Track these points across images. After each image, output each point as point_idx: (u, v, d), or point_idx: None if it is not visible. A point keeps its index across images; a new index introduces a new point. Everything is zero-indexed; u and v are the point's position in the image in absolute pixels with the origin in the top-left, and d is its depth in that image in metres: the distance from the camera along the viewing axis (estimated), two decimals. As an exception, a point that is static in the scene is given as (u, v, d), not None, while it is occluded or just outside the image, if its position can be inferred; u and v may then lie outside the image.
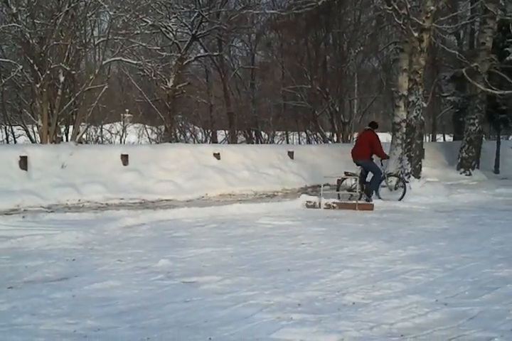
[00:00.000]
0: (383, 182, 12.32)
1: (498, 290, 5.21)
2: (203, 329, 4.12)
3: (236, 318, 4.36)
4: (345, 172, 11.89)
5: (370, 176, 11.93)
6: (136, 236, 7.93)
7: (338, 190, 11.89)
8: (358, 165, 11.83)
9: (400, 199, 11.83)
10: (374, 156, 12.00)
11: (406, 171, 12.67)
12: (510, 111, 19.00)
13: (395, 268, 6.05)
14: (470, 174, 17.70)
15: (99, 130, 24.50)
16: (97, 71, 14.70)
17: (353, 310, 4.62)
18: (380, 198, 11.88)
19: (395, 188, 12.69)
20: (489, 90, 16.44)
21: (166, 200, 12.13)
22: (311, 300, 4.87)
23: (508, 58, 18.24)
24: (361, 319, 4.39)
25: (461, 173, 17.76)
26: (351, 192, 11.75)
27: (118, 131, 26.34)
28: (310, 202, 11.08)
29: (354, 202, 11.06)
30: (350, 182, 12.26)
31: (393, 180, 12.84)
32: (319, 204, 10.98)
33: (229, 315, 4.44)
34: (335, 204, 10.99)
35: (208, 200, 12.26)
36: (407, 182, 12.52)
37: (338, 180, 11.97)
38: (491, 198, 12.60)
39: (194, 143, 24.21)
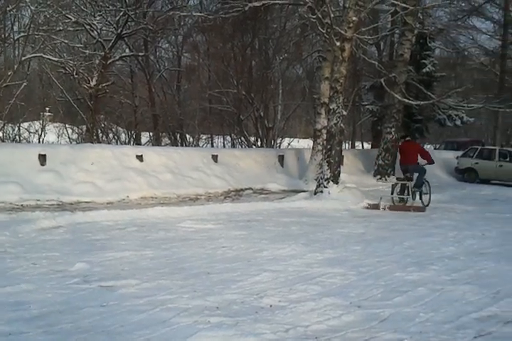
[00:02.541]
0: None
1: (409, 293, 5.44)
2: (119, 334, 4.07)
3: (153, 322, 4.34)
4: (397, 178, 13.82)
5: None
6: (52, 239, 7.71)
7: (392, 194, 13.27)
8: (407, 171, 13.46)
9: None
10: None
11: (325, 177, 12.99)
12: (425, 121, 19.89)
13: (312, 271, 6.20)
14: (386, 180, 18.32)
15: (16, 128, 23.53)
16: (15, 67, 14.16)
17: (270, 312, 4.70)
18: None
19: (315, 193, 12.99)
20: (406, 100, 17.11)
21: (85, 202, 11.83)
22: (230, 303, 4.92)
23: (424, 70, 19.12)
24: (278, 321, 4.48)
25: (377, 180, 18.35)
26: (402, 196, 13.22)
27: (37, 130, 25.38)
28: (370, 204, 12.46)
29: (409, 204, 12.78)
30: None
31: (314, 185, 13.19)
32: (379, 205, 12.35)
33: (146, 319, 4.41)
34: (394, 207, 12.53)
35: (129, 203, 12.06)
36: (326, 187, 12.84)
37: (393, 185, 13.57)
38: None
39: (117, 144, 23.72)
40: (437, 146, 36.37)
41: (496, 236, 9.03)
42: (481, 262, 6.94)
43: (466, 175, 21.18)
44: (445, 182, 20.49)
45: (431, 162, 13.63)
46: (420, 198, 13.21)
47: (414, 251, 7.54)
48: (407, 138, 14.31)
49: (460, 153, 22.70)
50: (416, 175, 13.34)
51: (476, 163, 20.65)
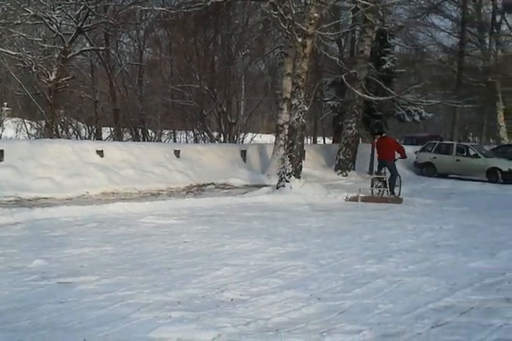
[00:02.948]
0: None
1: (368, 285, 5.52)
2: (77, 331, 4.03)
3: (112, 318, 4.31)
4: (377, 173, 14.26)
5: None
6: (10, 236, 7.56)
7: (372, 187, 13.83)
8: (385, 165, 14.04)
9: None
10: None
11: (287, 171, 13.08)
12: (384, 117, 20.19)
13: (274, 264, 6.24)
14: (346, 175, 18.57)
15: (-28, 123, 23.00)
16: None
17: (231, 306, 4.72)
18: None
19: (277, 188, 13.07)
20: (366, 96, 17.34)
21: (44, 198, 11.62)
22: (191, 297, 4.91)
23: (384, 66, 19.38)
24: (239, 315, 4.50)
25: (338, 174, 18.58)
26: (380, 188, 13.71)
27: (-6, 125, 24.86)
28: (350, 196, 13.02)
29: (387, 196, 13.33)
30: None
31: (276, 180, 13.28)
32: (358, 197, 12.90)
33: (105, 316, 4.38)
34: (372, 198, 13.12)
35: (89, 199, 11.90)
36: (288, 181, 12.94)
37: (372, 179, 14.16)
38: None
39: (77, 139, 23.37)
40: (397, 141, 36.97)
41: (453, 228, 9.24)
42: (438, 254, 7.09)
43: (424, 169, 21.63)
44: (404, 176, 20.76)
45: (404, 156, 14.48)
46: (392, 190, 13.75)
47: (374, 244, 7.66)
48: (383, 135, 14.81)
49: (419, 147, 23.16)
50: (390, 170, 13.92)
51: (434, 158, 21.10)
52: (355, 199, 12.90)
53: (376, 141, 14.99)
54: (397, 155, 14.13)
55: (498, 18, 33.06)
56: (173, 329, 4.10)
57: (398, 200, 13.11)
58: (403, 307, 4.83)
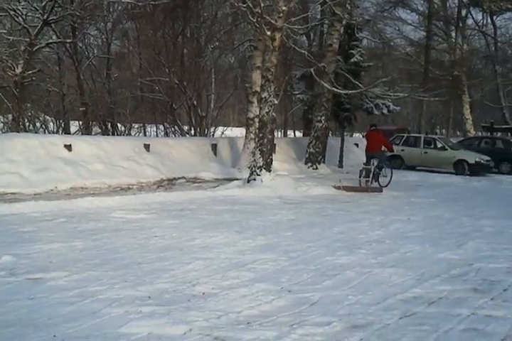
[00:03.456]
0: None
1: (338, 277, 5.60)
2: (47, 327, 4.00)
3: (83, 314, 4.29)
4: (365, 164, 14.95)
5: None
6: (-24, 232, 7.43)
7: (360, 177, 14.63)
8: (373, 157, 14.77)
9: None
10: None
11: (258, 165, 13.09)
12: (353, 110, 20.34)
13: (245, 258, 6.27)
14: (317, 168, 18.67)
15: None
16: None
17: (203, 300, 4.74)
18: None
19: (248, 181, 13.09)
20: (335, 89, 17.43)
21: (11, 193, 11.41)
22: (162, 292, 4.91)
23: (352, 60, 19.50)
24: (210, 309, 4.52)
25: (308, 167, 18.67)
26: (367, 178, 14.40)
27: (-41, 120, 24.25)
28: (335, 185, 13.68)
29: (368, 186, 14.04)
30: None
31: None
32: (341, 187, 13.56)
33: (75, 311, 4.35)
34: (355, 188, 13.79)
35: (58, 194, 11.74)
36: (259, 175, 12.98)
37: (360, 170, 14.84)
38: (334, 191, 13.40)
39: (45, 133, 22.98)
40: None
41: (421, 220, 9.42)
42: (406, 245, 7.22)
43: (392, 161, 21.87)
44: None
45: (391, 150, 15.66)
46: (377, 180, 14.61)
47: (343, 236, 7.76)
48: (373, 128, 15.52)
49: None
50: (377, 161, 14.83)
51: (402, 150, 21.36)
52: (339, 188, 13.52)
53: (367, 133, 15.79)
54: (384, 148, 14.93)
55: (463, 12, 33.59)
56: (144, 324, 4.10)
57: (378, 190, 13.81)
58: (372, 298, 4.92)
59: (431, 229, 8.52)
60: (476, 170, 19.59)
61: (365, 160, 15.18)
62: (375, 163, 14.71)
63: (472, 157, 19.88)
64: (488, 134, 27.06)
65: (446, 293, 5.15)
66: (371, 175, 14.37)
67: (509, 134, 26.39)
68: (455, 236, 7.96)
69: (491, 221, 9.46)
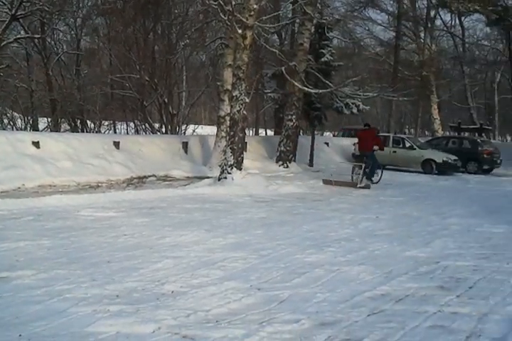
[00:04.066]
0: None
1: (307, 275, 5.63)
2: (13, 326, 3.94)
3: (50, 313, 4.23)
4: (356, 161, 15.95)
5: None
6: None
7: (352, 173, 15.26)
8: (364, 156, 15.40)
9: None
10: None
11: (229, 163, 13.09)
12: (323, 109, 20.47)
13: (215, 256, 6.27)
14: (287, 166, 18.74)
15: None
16: None
17: (172, 298, 4.72)
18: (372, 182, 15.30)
19: (219, 179, 13.07)
20: (305, 88, 17.51)
21: (-23, 192, 11.21)
22: (130, 291, 4.88)
23: (323, 59, 19.62)
24: (179, 307, 4.50)
25: (279, 166, 18.73)
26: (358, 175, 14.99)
27: None
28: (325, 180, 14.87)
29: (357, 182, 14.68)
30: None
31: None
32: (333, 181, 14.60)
33: (42, 310, 4.29)
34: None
35: (25, 191, 11.55)
36: (230, 173, 12.97)
37: (353, 166, 15.64)
38: (305, 189, 13.49)
39: (12, 130, 22.57)
40: (335, 133, 37.63)
41: (389, 218, 9.53)
42: (375, 243, 7.30)
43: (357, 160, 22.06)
44: (343, 168, 21.23)
45: (382, 149, 16.07)
46: (368, 178, 15.15)
47: (313, 234, 7.81)
48: (366, 127, 16.12)
49: (357, 139, 23.60)
50: (371, 160, 15.28)
51: (372, 149, 21.53)
52: (330, 182, 14.54)
53: (359, 132, 16.38)
54: (376, 147, 15.39)
55: (432, 13, 34.12)
56: (112, 323, 4.07)
57: (367, 186, 14.51)
58: (340, 296, 4.96)
59: (399, 228, 8.63)
60: (444, 169, 19.92)
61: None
62: (367, 161, 15.16)
63: (440, 156, 20.21)
64: (456, 134, 27.52)
65: (413, 290, 5.22)
66: (361, 172, 14.81)
67: (476, 134, 26.88)
68: (423, 235, 8.08)
69: (458, 219, 9.63)
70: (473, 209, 11.20)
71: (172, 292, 4.89)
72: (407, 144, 21.13)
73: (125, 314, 4.27)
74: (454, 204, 11.83)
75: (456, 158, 20.40)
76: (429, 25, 33.60)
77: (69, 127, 24.11)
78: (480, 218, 9.86)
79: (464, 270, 6.06)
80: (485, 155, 21.68)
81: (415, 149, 20.66)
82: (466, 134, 27.98)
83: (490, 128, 32.47)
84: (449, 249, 7.17)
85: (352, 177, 15.13)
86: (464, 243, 7.56)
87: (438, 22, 37.28)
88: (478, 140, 23.29)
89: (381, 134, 23.64)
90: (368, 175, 15.09)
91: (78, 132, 23.01)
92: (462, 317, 4.48)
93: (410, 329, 4.20)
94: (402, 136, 24.27)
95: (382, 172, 16.09)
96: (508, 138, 45.52)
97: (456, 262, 6.40)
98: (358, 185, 14.41)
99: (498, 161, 22.32)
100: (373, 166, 15.37)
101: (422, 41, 32.93)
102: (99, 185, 13.21)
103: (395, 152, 21.05)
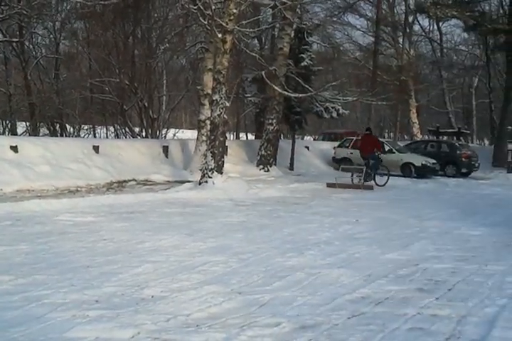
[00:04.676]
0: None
1: (288, 278, 5.63)
2: (-9, 332, 3.89)
3: (28, 319, 4.18)
4: (358, 164, 17.13)
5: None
6: None
7: (352, 175, 16.18)
8: (364, 158, 16.52)
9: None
10: None
11: (209, 167, 13.07)
12: (304, 113, 20.57)
13: (195, 260, 6.24)
14: (268, 170, 18.79)
15: None
16: None
17: (152, 303, 4.69)
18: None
19: (199, 183, 13.05)
20: (286, 93, 17.59)
21: (-47, 197, 11.06)
22: (110, 296, 4.84)
23: (302, 64, 19.73)
24: (159, 312, 4.47)
25: (260, 169, 18.77)
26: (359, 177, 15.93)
27: None
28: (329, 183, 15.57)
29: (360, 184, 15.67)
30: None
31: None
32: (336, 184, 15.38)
33: (20, 316, 4.24)
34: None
35: (3, 196, 11.42)
36: (211, 177, 12.95)
37: (352, 170, 16.73)
38: (285, 193, 13.52)
39: (-10, 134, 22.31)
40: (316, 137, 37.82)
41: (369, 221, 9.58)
42: (354, 246, 7.33)
43: (342, 164, 22.22)
44: (323, 172, 21.41)
45: (382, 152, 17.42)
46: (374, 179, 16.31)
47: (293, 238, 7.82)
48: (368, 132, 17.26)
49: (337, 143, 23.77)
50: (372, 162, 16.35)
51: (351, 153, 21.74)
52: (333, 185, 15.26)
53: (360, 137, 17.44)
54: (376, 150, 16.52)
55: (410, 19, 34.49)
56: (91, 328, 4.03)
57: (370, 188, 15.33)
58: (321, 299, 4.97)
59: (378, 231, 8.69)
60: (423, 172, 20.12)
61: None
62: (369, 164, 16.20)
63: (418, 160, 20.41)
64: (434, 138, 27.80)
65: (393, 293, 5.24)
66: (363, 174, 15.75)
67: (454, 138, 27.19)
68: (402, 238, 8.14)
69: (436, 222, 9.72)
70: (452, 212, 11.31)
71: (152, 296, 4.86)
72: (387, 148, 21.27)
73: (104, 319, 4.23)
74: (433, 207, 11.94)
75: (434, 161, 20.62)
76: (408, 30, 33.96)
77: (48, 131, 23.91)
78: (458, 221, 9.97)
79: (443, 272, 6.10)
80: (463, 159, 21.94)
81: (394, 153, 20.83)
82: (445, 138, 28.28)
83: (468, 132, 32.86)
84: (427, 251, 7.22)
85: (352, 180, 15.89)
86: (442, 245, 7.62)
87: (416, 27, 37.70)
88: (457, 144, 23.56)
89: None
90: (369, 176, 16.00)
91: (57, 136, 22.84)
92: (441, 320, 4.51)
93: (390, 331, 4.22)
94: (381, 139, 24.43)
95: (388, 176, 16.74)
96: (486, 141, 46.08)
97: (435, 264, 6.45)
98: (362, 187, 15.27)
99: (476, 165, 22.60)
100: (373, 168, 16.32)
101: (401, 46, 33.26)
102: (78, 189, 13.11)
103: (374, 156, 21.18)
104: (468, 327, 4.33)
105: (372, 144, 16.69)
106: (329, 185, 15.39)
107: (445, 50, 40.45)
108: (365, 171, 15.87)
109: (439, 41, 39.87)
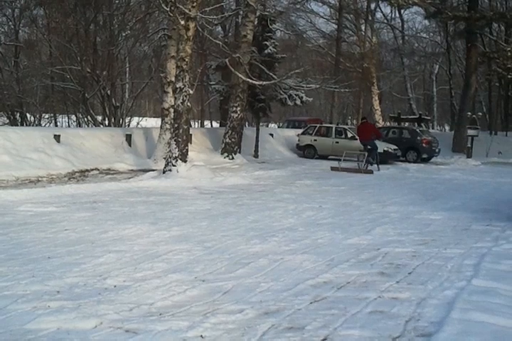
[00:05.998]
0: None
1: (251, 265, 5.67)
2: (-51, 326, 3.82)
3: (-13, 311, 4.12)
4: (360, 150, 18.17)
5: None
6: None
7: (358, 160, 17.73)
8: (365, 145, 18.02)
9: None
10: None
11: (174, 155, 13.00)
12: (268, 101, 20.60)
13: (159, 249, 6.23)
14: (233, 158, 18.78)
15: None
16: None
17: (114, 293, 4.66)
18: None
19: (164, 172, 12.98)
20: (250, 80, 17.56)
21: None
22: (71, 286, 4.80)
23: (266, 51, 19.70)
24: (122, 301, 4.46)
25: (224, 157, 18.75)
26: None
27: None
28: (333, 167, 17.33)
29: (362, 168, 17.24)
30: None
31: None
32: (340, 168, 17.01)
33: (-21, 309, 4.18)
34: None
35: (-39, 187, 11.16)
36: (175, 165, 12.88)
37: (357, 154, 18.02)
38: (250, 180, 13.55)
39: None
40: (280, 124, 37.92)
41: (332, 207, 9.71)
42: (317, 232, 7.42)
43: (306, 151, 22.43)
44: (287, 159, 21.54)
45: (380, 138, 19.30)
46: (377, 164, 17.66)
47: (258, 225, 7.86)
48: (364, 120, 18.82)
49: (300, 130, 23.91)
50: (369, 147, 17.77)
51: (315, 140, 21.92)
52: (337, 168, 16.94)
53: (359, 125, 18.72)
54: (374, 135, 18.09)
55: (373, 6, 34.71)
56: (52, 319, 3.99)
57: (370, 172, 16.78)
58: (284, 285, 5.02)
59: (341, 216, 8.81)
60: (384, 158, 20.40)
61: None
62: (367, 149, 17.65)
63: (380, 146, 20.66)
64: (396, 124, 28.18)
65: (355, 277, 5.34)
66: (364, 159, 17.37)
67: (415, 124, 27.60)
68: (363, 223, 8.28)
69: (397, 207, 9.91)
70: (412, 196, 11.54)
71: (114, 286, 4.84)
72: (349, 134, 21.53)
73: (66, 310, 4.19)
74: (394, 193, 12.15)
75: (396, 147, 20.93)
76: (370, 17, 34.16)
77: (8, 120, 23.38)
78: (419, 205, 10.18)
79: (404, 256, 6.24)
80: (424, 145, 22.35)
81: (357, 139, 21.04)
82: (406, 124, 28.68)
83: (429, 118, 33.36)
84: (389, 236, 7.37)
85: (358, 164, 17.41)
86: (403, 230, 7.79)
87: (378, 15, 38.09)
88: (417, 130, 23.93)
89: (324, 125, 24.15)
90: (370, 161, 17.48)
91: (17, 125, 22.35)
92: (402, 303, 4.60)
93: (351, 315, 4.30)
94: (345, 126, 24.68)
95: (378, 160, 17.92)
96: (447, 127, 46.95)
97: (396, 248, 6.59)
98: (363, 171, 16.77)
99: (437, 150, 23.06)
100: (372, 153, 17.67)
101: (363, 34, 33.45)
102: (39, 179, 12.87)
103: (337, 142, 21.43)
104: (428, 310, 4.44)
105: (370, 131, 18.15)
106: (333, 169, 17.02)
107: (407, 38, 40.90)
108: (367, 157, 17.40)
109: (400, 28, 40.29)
